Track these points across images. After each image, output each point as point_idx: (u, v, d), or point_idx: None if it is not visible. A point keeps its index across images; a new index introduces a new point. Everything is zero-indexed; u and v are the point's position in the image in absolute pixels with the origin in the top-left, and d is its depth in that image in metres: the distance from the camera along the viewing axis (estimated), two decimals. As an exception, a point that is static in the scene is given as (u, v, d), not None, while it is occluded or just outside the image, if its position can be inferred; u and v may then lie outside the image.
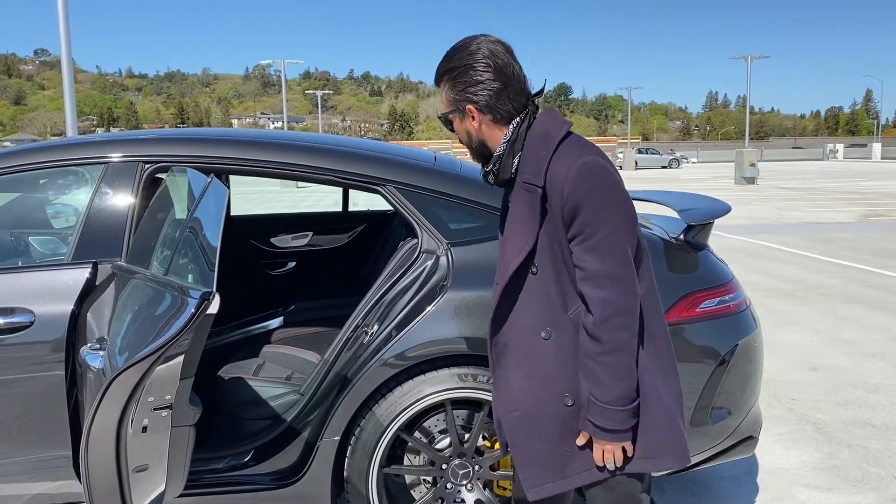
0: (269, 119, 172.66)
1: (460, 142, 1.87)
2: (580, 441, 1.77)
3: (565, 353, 1.75)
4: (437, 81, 1.83)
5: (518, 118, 1.77)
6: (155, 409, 1.75)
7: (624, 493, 1.83)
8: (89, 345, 2.07)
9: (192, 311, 1.62)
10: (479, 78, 1.74)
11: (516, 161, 1.77)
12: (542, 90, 1.83)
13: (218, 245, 1.79)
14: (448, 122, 1.86)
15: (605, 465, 1.75)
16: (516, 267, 1.76)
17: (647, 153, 50.25)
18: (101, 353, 1.95)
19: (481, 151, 1.84)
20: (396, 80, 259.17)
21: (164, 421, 1.79)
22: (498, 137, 1.80)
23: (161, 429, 1.80)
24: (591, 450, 1.77)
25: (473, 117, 1.78)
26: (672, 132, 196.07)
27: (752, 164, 27.51)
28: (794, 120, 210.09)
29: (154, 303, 1.96)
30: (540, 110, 1.81)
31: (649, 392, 1.75)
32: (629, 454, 1.75)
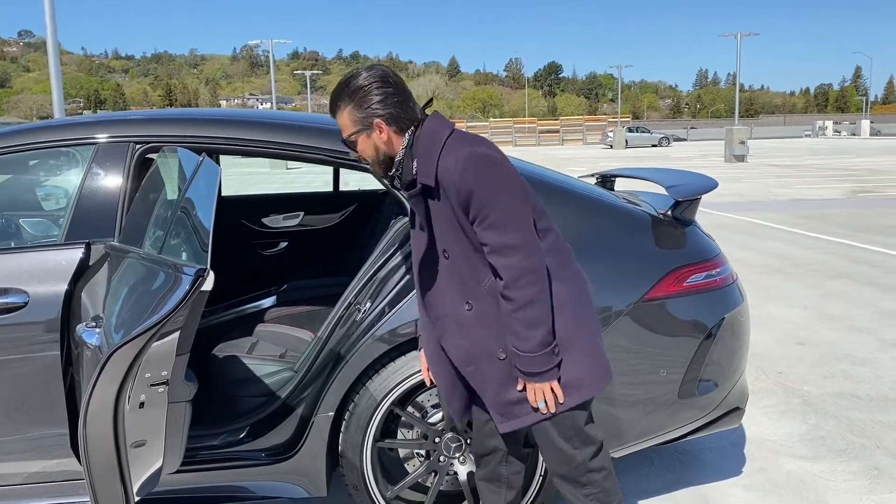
0: (257, 100, 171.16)
1: (361, 160, 2.08)
2: (519, 387, 2.04)
3: (487, 318, 2.04)
4: (336, 108, 2.01)
5: (413, 127, 2.00)
6: (152, 385, 1.78)
7: (572, 427, 2.10)
8: (85, 322, 2.09)
9: (187, 287, 1.64)
10: (382, 95, 1.95)
11: (415, 164, 1.99)
12: (431, 102, 2.09)
13: (211, 223, 1.80)
14: (351, 144, 2.03)
15: (538, 406, 2.02)
16: (423, 255, 2.07)
17: (637, 132, 50.22)
18: (98, 330, 1.97)
19: (387, 163, 2.04)
20: (386, 60, 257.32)
21: (161, 397, 1.82)
22: (399, 146, 2.01)
23: (158, 405, 1.83)
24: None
25: (381, 130, 1.98)
26: (662, 110, 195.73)
27: (742, 142, 27.58)
28: (783, 97, 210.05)
29: (149, 280, 1.98)
30: (428, 117, 2.03)
31: (566, 333, 2.02)
32: (558, 393, 2.02)
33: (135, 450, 1.86)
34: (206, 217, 1.83)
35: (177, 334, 1.74)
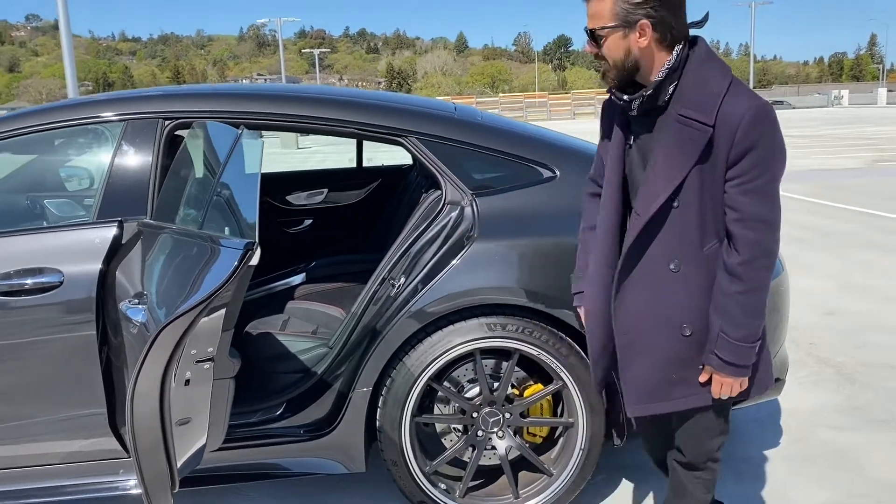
0: (265, 80, 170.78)
1: (598, 58, 1.72)
2: (702, 378, 1.83)
3: (693, 287, 1.77)
4: None
5: (680, 45, 1.69)
6: (198, 361, 1.76)
7: (722, 418, 1.96)
8: (128, 300, 2.07)
9: (236, 263, 1.61)
10: None
11: (671, 90, 1.70)
12: (705, 20, 1.74)
13: (257, 196, 1.78)
14: (597, 38, 1.69)
15: (713, 396, 1.83)
16: (665, 199, 1.72)
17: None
18: (143, 307, 1.95)
19: (629, 75, 1.73)
20: (393, 37, 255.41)
21: (207, 373, 1.80)
22: (659, 61, 1.70)
23: (203, 381, 1.81)
24: (695, 381, 1.85)
25: (643, 34, 1.66)
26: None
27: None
28: (797, 67, 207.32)
29: (187, 255, 1.95)
30: (698, 41, 1.75)
31: (763, 330, 1.83)
32: (742, 389, 1.83)
33: (179, 427, 1.84)
34: (252, 190, 1.80)
35: (223, 310, 1.72)
